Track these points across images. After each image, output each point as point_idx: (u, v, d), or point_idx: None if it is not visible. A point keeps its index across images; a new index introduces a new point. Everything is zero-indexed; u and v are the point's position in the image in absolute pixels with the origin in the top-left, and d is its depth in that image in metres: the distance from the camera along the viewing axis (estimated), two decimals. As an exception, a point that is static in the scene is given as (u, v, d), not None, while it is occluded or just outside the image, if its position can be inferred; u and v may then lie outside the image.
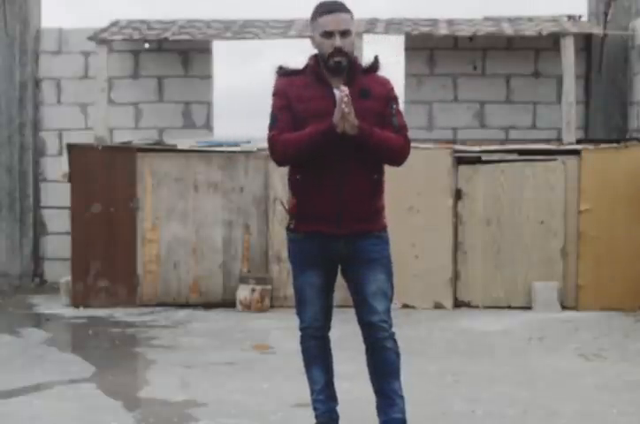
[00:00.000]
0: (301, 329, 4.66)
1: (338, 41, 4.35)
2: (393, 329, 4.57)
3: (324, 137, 4.31)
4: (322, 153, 4.35)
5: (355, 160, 4.40)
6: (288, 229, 4.62)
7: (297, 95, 4.42)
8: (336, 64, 4.37)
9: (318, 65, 4.44)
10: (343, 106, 4.22)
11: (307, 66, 4.49)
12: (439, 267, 8.35)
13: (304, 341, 4.69)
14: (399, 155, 4.51)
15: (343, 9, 4.47)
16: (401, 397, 4.55)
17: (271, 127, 4.46)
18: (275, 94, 4.48)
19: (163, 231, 8.57)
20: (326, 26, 4.38)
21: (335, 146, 4.33)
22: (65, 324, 7.95)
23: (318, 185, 4.43)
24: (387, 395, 4.55)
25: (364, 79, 4.48)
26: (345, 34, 4.39)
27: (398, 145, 4.45)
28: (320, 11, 4.44)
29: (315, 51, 4.47)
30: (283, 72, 4.51)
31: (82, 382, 5.83)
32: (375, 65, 4.56)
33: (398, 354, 4.58)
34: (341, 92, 4.21)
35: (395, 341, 4.59)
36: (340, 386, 5.62)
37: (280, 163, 4.56)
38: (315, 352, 4.70)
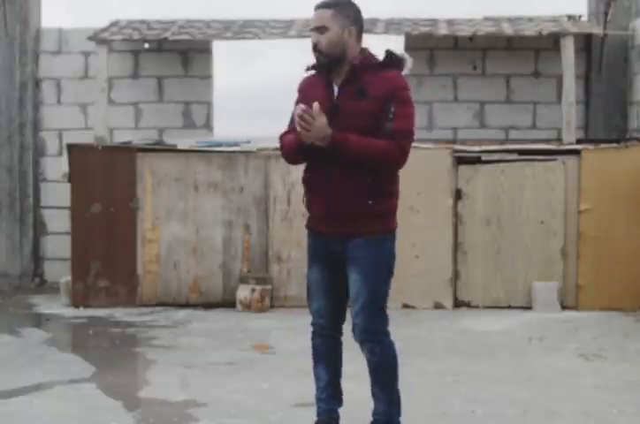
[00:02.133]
0: (311, 325, 4.65)
1: (313, 38, 4.39)
2: (389, 329, 4.49)
3: (301, 146, 4.35)
4: (315, 155, 4.36)
5: (342, 163, 4.34)
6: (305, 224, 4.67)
7: (308, 94, 4.45)
8: (316, 60, 4.42)
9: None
10: (297, 121, 4.21)
11: None
12: (439, 267, 8.35)
13: (312, 337, 4.68)
14: (382, 161, 4.33)
15: (323, 5, 4.42)
16: (384, 399, 4.52)
17: (288, 124, 4.55)
18: (297, 91, 4.59)
19: (163, 231, 8.57)
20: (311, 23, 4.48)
21: (323, 149, 4.32)
22: (65, 324, 7.95)
23: (312, 185, 4.47)
24: (373, 394, 4.58)
25: (368, 76, 4.38)
26: (320, 30, 4.38)
27: (380, 151, 4.29)
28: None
29: None
30: (308, 68, 4.52)
31: (82, 382, 5.83)
32: (387, 61, 4.46)
33: (386, 357, 4.51)
34: (298, 109, 4.23)
35: (383, 344, 4.50)
36: (343, 386, 5.64)
37: (287, 162, 4.66)
38: (320, 350, 4.67)
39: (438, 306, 8.35)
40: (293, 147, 4.41)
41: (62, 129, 9.93)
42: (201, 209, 8.56)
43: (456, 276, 8.42)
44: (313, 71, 4.52)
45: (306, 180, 4.51)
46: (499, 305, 8.36)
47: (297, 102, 4.45)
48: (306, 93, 4.49)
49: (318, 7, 4.43)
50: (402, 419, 5.02)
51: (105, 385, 5.75)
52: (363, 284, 4.43)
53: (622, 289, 8.21)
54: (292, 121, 4.44)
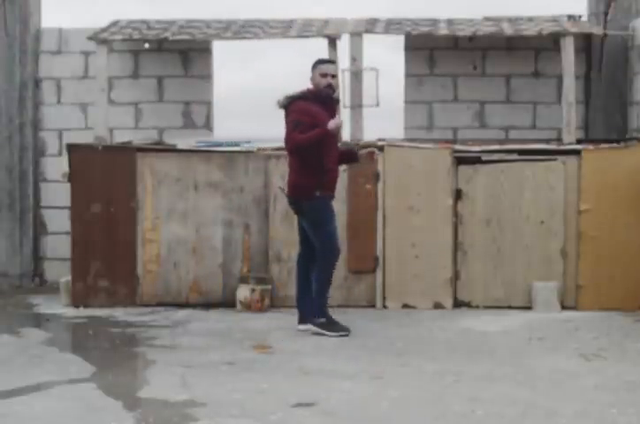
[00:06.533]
0: (337, 254, 7.32)
1: (330, 80, 7.30)
2: None
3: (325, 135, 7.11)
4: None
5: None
6: None
7: (316, 114, 7.20)
8: (327, 94, 7.31)
9: None
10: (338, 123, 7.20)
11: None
12: (439, 267, 8.35)
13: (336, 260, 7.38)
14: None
15: (334, 61, 7.92)
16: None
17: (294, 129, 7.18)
18: (303, 112, 7.17)
19: (163, 231, 8.57)
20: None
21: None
22: (65, 324, 7.95)
23: (332, 166, 7.39)
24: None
25: None
26: (335, 76, 7.39)
27: None
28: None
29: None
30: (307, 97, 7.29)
31: (82, 382, 5.83)
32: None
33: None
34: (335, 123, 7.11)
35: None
36: (341, 386, 5.64)
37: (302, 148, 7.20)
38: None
39: (437, 306, 8.35)
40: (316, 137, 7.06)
41: (62, 129, 9.93)
42: (201, 209, 8.56)
43: (456, 276, 8.42)
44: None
45: (326, 164, 7.16)
46: (498, 305, 8.36)
47: (303, 120, 7.07)
48: (314, 113, 7.10)
49: (333, 62, 7.70)
50: (403, 419, 5.04)
51: (105, 385, 5.74)
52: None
53: (622, 289, 8.21)
54: (297, 125, 7.08)
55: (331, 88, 7.28)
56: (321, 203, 7.19)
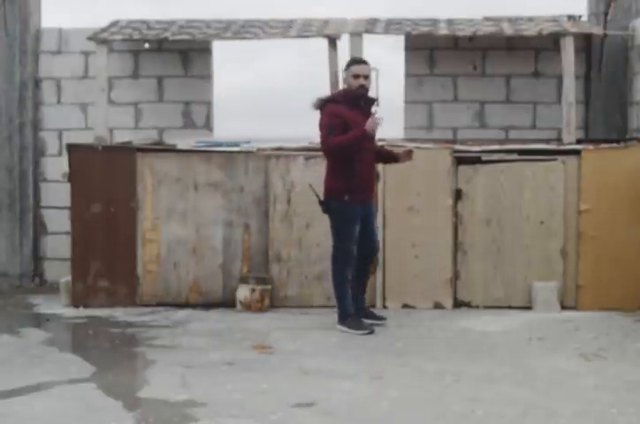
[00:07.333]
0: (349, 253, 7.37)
1: (362, 81, 7.23)
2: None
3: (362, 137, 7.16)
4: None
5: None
6: None
7: (348, 116, 7.21)
8: (361, 95, 7.27)
9: None
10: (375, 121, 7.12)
11: None
12: (439, 267, 8.35)
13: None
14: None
15: (366, 61, 7.42)
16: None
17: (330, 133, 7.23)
18: (334, 115, 7.21)
19: (163, 231, 8.57)
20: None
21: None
22: (65, 324, 7.95)
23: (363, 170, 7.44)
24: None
25: None
26: (367, 77, 7.26)
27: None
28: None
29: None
30: (337, 100, 7.34)
31: (82, 382, 5.83)
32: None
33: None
34: (375, 120, 7.11)
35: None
36: (341, 386, 5.65)
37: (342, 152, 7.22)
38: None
39: (438, 306, 8.35)
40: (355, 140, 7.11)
41: (62, 129, 9.93)
42: (201, 209, 8.56)
43: (456, 276, 8.42)
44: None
45: (356, 168, 7.14)
46: (498, 305, 8.36)
47: (335, 123, 7.11)
48: (345, 115, 7.13)
49: (365, 62, 7.35)
50: (403, 419, 5.04)
51: (105, 385, 5.74)
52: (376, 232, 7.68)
53: (622, 289, 8.21)
54: (331, 130, 7.10)
55: (364, 89, 7.23)
56: (347, 208, 7.24)
